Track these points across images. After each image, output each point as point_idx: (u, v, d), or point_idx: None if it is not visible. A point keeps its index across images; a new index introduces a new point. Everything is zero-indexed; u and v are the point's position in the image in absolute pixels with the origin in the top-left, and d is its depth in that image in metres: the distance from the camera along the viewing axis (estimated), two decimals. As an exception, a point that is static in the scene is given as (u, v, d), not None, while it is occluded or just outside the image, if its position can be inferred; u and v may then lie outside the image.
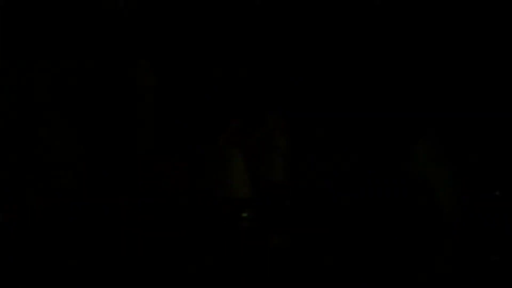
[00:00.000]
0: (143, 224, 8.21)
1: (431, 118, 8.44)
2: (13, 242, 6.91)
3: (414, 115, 9.02)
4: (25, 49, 9.21)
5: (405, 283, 5.90)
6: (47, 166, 8.89)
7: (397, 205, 9.03)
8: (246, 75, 9.97)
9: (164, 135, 9.76)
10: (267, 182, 7.81)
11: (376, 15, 9.53)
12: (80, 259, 6.29)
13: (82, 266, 6.03)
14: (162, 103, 9.84)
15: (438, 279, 6.02)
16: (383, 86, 9.65)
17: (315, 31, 9.83)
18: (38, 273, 5.80)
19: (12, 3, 9.06)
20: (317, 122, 10.31)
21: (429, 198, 8.06)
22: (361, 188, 10.51)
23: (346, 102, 10.10)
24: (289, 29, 9.90)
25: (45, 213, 8.30)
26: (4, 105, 9.15)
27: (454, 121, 8.72)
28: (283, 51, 10.00)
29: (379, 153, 9.91)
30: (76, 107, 9.44)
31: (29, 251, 6.61)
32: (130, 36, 9.62)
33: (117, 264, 6.27)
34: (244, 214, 7.88)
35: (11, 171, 8.73)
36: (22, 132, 9.14)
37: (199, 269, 6.23)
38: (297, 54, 10.02)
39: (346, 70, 9.86)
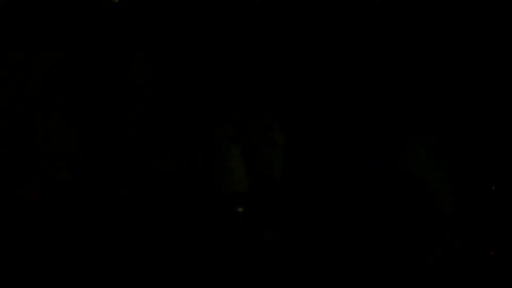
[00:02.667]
0: (140, 217, 8.21)
1: (423, 112, 8.48)
2: (9, 235, 6.89)
3: (406, 109, 9.08)
4: (21, 41, 9.19)
5: (400, 277, 5.91)
6: (43, 159, 8.88)
7: (391, 198, 9.05)
8: (244, 69, 10.00)
9: (161, 128, 9.76)
10: (265, 177, 7.79)
11: (375, 16, 9.57)
12: (77, 251, 6.28)
13: (79, 259, 6.00)
14: (159, 95, 9.85)
15: (432, 271, 6.05)
16: (379, 82, 9.71)
17: (312, 29, 9.87)
18: (34, 266, 5.78)
19: None
20: (311, 118, 10.35)
21: (421, 191, 8.10)
22: (354, 182, 10.57)
23: (340, 99, 10.16)
24: (287, 26, 9.93)
25: (42, 206, 8.29)
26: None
27: (448, 115, 8.76)
28: (281, 46, 10.03)
29: (372, 147, 9.95)
30: (72, 99, 9.43)
31: (25, 245, 6.59)
32: (126, 27, 9.61)
33: (115, 258, 6.26)
34: (240, 209, 7.87)
35: (8, 164, 8.71)
36: (18, 124, 9.12)
37: (195, 262, 6.23)
38: (296, 51, 10.07)
39: (343, 68, 9.90)
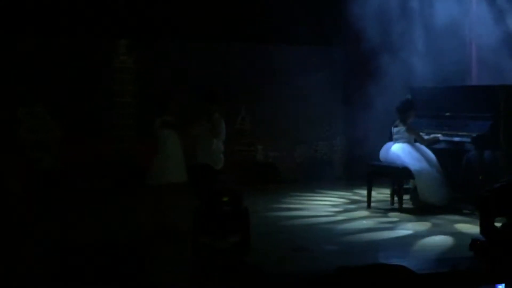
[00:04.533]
0: (119, 204, 8.14)
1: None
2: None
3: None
4: (5, 27, 9.06)
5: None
6: (25, 147, 8.87)
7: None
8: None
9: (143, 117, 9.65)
10: (208, 169, 7.56)
11: None
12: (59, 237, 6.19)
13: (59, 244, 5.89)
14: (141, 84, 9.78)
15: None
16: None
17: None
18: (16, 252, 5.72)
19: None
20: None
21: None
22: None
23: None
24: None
25: (23, 194, 8.22)
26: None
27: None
28: None
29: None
30: (54, 87, 9.33)
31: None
32: (110, 15, 9.51)
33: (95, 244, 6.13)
34: (225, 199, 7.70)
35: None
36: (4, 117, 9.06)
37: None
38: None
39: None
